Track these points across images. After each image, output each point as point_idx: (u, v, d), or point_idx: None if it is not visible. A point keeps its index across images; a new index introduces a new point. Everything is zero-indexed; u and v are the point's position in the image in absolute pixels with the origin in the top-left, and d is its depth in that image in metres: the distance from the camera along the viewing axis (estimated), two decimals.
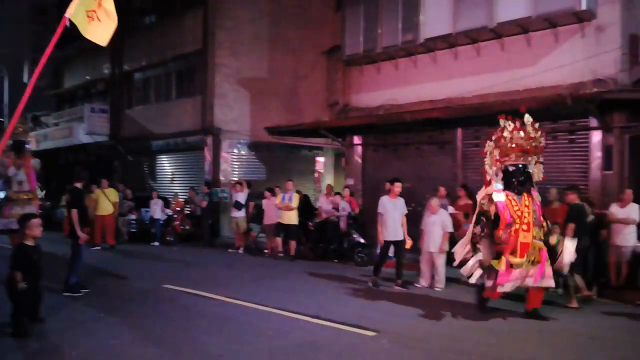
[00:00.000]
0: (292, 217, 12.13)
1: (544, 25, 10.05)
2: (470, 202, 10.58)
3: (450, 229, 8.99)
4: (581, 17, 9.55)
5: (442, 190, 10.52)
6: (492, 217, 6.78)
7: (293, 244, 12.16)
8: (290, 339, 5.99)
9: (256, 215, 13.41)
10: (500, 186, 6.84)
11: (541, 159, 7.06)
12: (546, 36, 10.16)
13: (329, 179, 17.51)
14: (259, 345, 5.75)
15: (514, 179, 6.84)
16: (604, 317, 7.20)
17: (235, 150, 16.97)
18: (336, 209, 12.13)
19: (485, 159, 7.16)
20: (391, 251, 9.32)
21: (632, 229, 8.34)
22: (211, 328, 6.39)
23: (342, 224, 12.04)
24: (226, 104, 16.61)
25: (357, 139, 13.63)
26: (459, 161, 11.54)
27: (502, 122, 6.98)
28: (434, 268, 8.94)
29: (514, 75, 10.40)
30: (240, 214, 13.39)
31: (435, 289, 8.80)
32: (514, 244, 6.56)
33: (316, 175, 17.96)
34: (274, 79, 17.05)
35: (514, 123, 6.87)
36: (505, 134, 6.88)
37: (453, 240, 10.03)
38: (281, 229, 12.27)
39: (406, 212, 9.21)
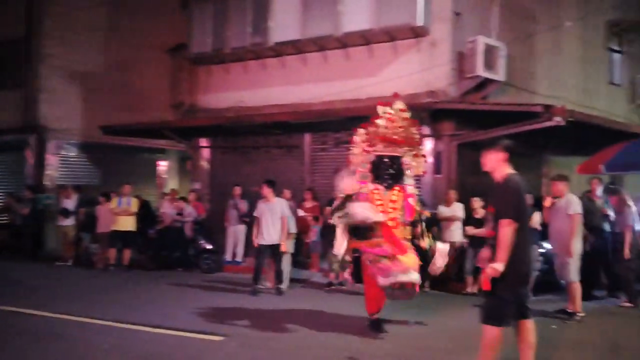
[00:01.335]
0: (129, 224, 11.23)
1: (384, 38, 10.68)
2: (317, 204, 10.80)
3: (288, 213, 8.90)
4: (417, 33, 10.32)
5: (287, 193, 10.54)
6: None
7: (128, 253, 11.25)
8: (129, 351, 5.46)
9: (87, 223, 12.17)
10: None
11: (422, 152, 6.71)
12: (387, 48, 10.81)
13: (173, 184, 16.66)
14: None
15: (380, 171, 6.33)
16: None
17: (64, 152, 15.26)
18: (181, 214, 11.53)
19: (354, 148, 6.53)
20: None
21: (457, 225, 9.16)
22: (35, 347, 5.57)
23: (188, 230, 11.47)
24: (53, 100, 14.86)
25: (204, 142, 13.16)
26: (307, 165, 11.73)
27: (380, 109, 6.42)
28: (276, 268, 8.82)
29: (358, 83, 10.88)
30: (69, 222, 12.16)
31: (281, 288, 8.70)
32: (388, 238, 5.97)
33: (159, 180, 16.97)
34: (111, 75, 15.66)
35: (390, 112, 6.37)
36: (379, 121, 6.36)
37: (300, 243, 10.19)
38: (117, 237, 11.26)
39: (288, 213, 8.90)
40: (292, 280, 9.36)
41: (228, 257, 11.42)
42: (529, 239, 4.48)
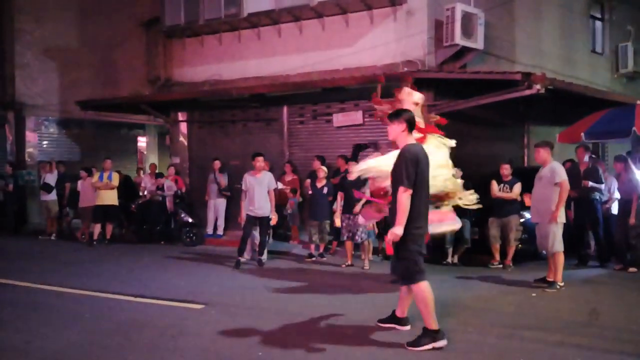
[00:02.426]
0: (112, 198, 11.19)
1: (360, 6, 10.54)
2: (296, 177, 10.84)
3: (274, 186, 8.94)
4: (393, 1, 10.19)
5: (266, 166, 10.52)
6: None
7: (110, 227, 11.24)
8: (111, 319, 5.51)
9: (70, 198, 12.14)
10: None
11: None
12: (363, 18, 10.68)
13: (152, 159, 16.55)
14: (74, 328, 5.19)
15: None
16: None
17: (43, 128, 15.06)
18: (161, 188, 11.49)
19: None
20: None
21: None
22: (17, 315, 5.63)
23: (169, 204, 11.45)
24: (29, 76, 14.59)
25: (181, 116, 13.02)
26: (285, 138, 11.69)
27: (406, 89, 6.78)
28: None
29: (335, 54, 10.79)
30: (51, 197, 12.12)
31: (262, 259, 8.74)
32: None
33: (139, 155, 16.85)
34: (86, 50, 15.34)
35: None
36: (380, 107, 6.94)
37: (280, 215, 10.19)
38: (99, 211, 11.21)
39: (275, 186, 8.94)
40: (273, 253, 9.44)
41: (209, 230, 11.47)
42: (424, 204, 4.66)
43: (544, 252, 7.40)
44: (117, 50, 15.87)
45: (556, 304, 6.20)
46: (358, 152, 9.79)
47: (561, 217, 6.85)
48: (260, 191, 8.57)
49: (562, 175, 6.83)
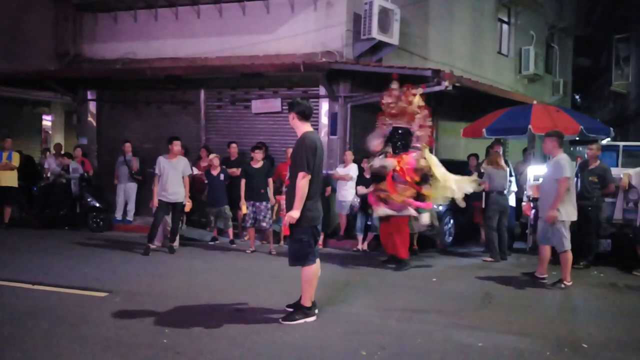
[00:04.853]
0: (11, 179, 10.48)
1: None
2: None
3: (189, 172, 8.79)
4: None
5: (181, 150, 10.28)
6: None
7: (9, 210, 10.53)
8: (3, 308, 5.18)
9: None
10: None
11: (428, 123, 7.78)
12: (284, 5, 10.70)
13: (58, 139, 15.57)
14: None
15: (390, 141, 7.86)
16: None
17: None
18: (66, 170, 10.89)
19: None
20: None
21: (351, 185, 9.48)
22: None
23: (74, 187, 10.87)
24: None
25: (90, 94, 12.37)
26: (202, 123, 11.47)
27: (393, 84, 7.86)
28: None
29: (255, 40, 10.74)
30: None
31: (173, 246, 8.58)
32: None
33: (43, 134, 15.79)
34: None
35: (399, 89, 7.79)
36: (386, 99, 7.87)
37: (195, 202, 10.01)
38: None
39: (190, 172, 8.77)
40: (185, 239, 9.34)
41: (118, 215, 11.05)
42: (318, 189, 4.96)
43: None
44: (21, 21, 14.69)
45: (454, 287, 6.61)
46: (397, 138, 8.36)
47: (568, 215, 6.49)
48: (175, 176, 8.39)
49: (564, 171, 6.37)
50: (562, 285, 6.51)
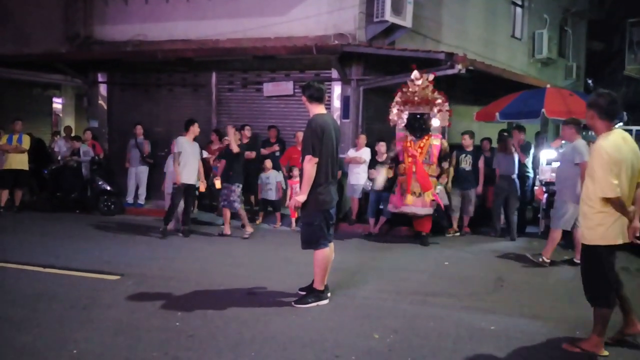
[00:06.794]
0: (22, 162, 10.47)
1: None
2: (222, 146, 10.61)
3: (201, 155, 8.80)
4: None
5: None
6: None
7: (19, 194, 10.56)
8: (16, 291, 5.20)
9: None
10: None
11: (445, 108, 8.16)
12: None
13: (69, 122, 15.60)
14: None
15: (410, 126, 8.32)
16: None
17: None
18: (77, 153, 10.89)
19: (392, 109, 8.46)
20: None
21: (363, 168, 9.38)
22: None
23: (85, 171, 10.88)
24: None
25: (101, 77, 12.32)
26: (214, 106, 11.41)
27: (415, 73, 8.26)
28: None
29: (267, 22, 10.59)
30: None
31: (187, 229, 8.55)
32: (409, 177, 8.11)
33: (53, 117, 15.82)
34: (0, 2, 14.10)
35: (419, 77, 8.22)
36: (406, 89, 8.31)
37: (208, 186, 9.97)
38: (8, 176, 10.46)
39: (202, 156, 8.88)
40: (197, 223, 9.33)
41: (129, 199, 11.05)
42: (332, 173, 4.90)
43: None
44: (32, 4, 14.64)
45: (466, 271, 6.56)
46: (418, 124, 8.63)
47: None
48: (193, 158, 8.43)
49: (584, 155, 6.22)
50: (541, 260, 6.79)
